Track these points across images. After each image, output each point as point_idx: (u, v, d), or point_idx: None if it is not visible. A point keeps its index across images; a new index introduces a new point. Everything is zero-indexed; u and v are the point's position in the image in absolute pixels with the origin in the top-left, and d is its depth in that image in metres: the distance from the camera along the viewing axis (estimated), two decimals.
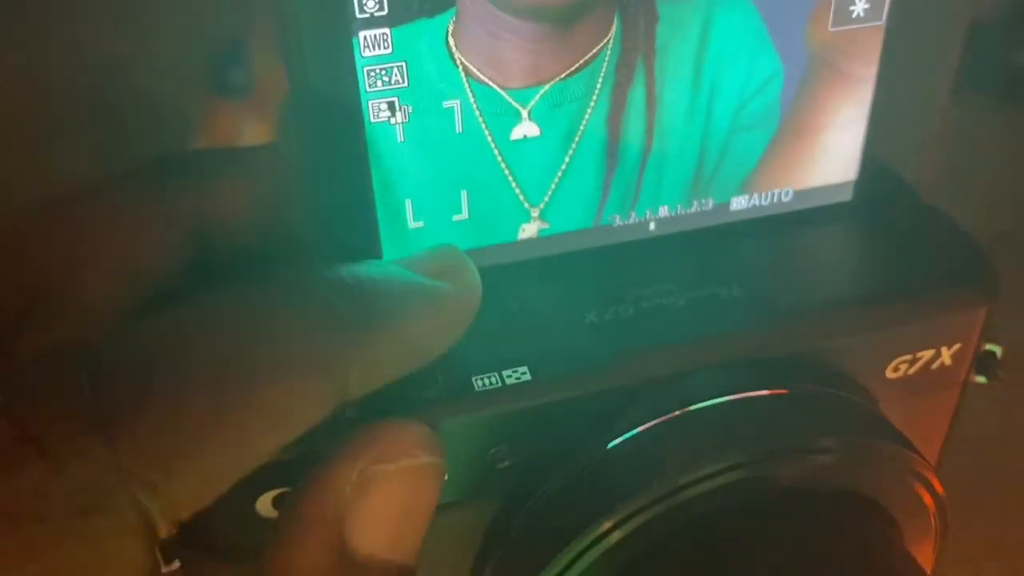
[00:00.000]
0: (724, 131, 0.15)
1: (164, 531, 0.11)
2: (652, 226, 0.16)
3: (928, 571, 0.17)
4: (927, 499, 0.17)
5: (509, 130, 0.14)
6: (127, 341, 0.11)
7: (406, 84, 0.13)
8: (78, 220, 0.14)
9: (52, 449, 0.10)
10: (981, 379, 0.19)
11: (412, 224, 0.15)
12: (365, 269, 0.13)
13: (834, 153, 0.16)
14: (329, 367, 0.13)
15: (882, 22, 0.16)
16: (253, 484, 0.14)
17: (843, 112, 0.15)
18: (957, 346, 0.17)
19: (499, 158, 0.14)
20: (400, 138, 0.13)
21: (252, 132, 0.18)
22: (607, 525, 0.15)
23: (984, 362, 0.18)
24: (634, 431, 0.15)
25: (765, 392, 0.15)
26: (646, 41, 0.13)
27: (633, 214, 0.16)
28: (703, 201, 0.16)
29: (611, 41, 0.13)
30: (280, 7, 0.13)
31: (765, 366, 0.16)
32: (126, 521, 0.11)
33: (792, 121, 0.15)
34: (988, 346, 0.18)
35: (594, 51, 0.13)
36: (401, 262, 0.13)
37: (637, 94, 0.14)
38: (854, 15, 0.15)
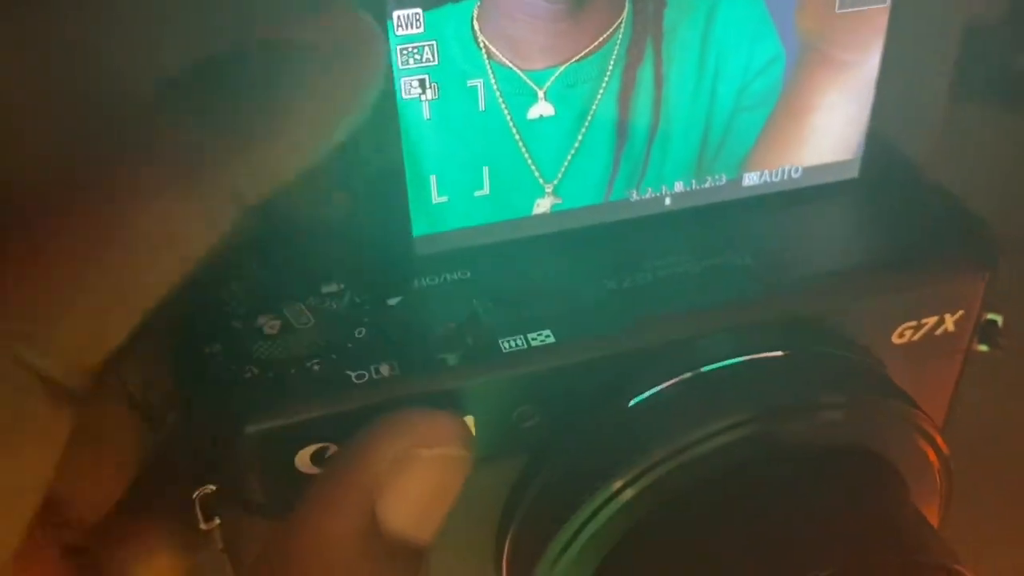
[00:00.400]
0: (728, 110, 0.16)
1: (67, 381, 0.12)
2: (668, 201, 0.17)
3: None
4: (932, 456, 0.18)
5: (526, 109, 0.15)
6: None
7: (436, 62, 0.14)
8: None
9: None
10: (983, 347, 0.20)
11: (436, 199, 0.16)
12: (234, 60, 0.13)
13: (837, 133, 0.17)
14: (209, 181, 0.13)
15: (887, 4, 0.16)
16: (294, 439, 0.15)
17: (842, 94, 0.16)
18: (960, 313, 0.18)
19: (516, 136, 0.15)
20: (427, 115, 0.14)
21: None
22: (618, 484, 0.16)
23: (986, 330, 0.19)
24: (649, 392, 0.16)
25: (775, 354, 0.16)
26: (655, 24, 0.14)
27: (650, 189, 0.17)
28: (716, 177, 0.17)
29: (623, 24, 0.14)
30: None
31: (776, 330, 0.17)
32: (15, 382, 0.11)
33: (793, 102, 0.16)
34: (990, 315, 0.19)
35: (607, 33, 0.14)
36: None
37: (646, 74, 0.15)
38: None
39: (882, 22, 0.16)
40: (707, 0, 0.14)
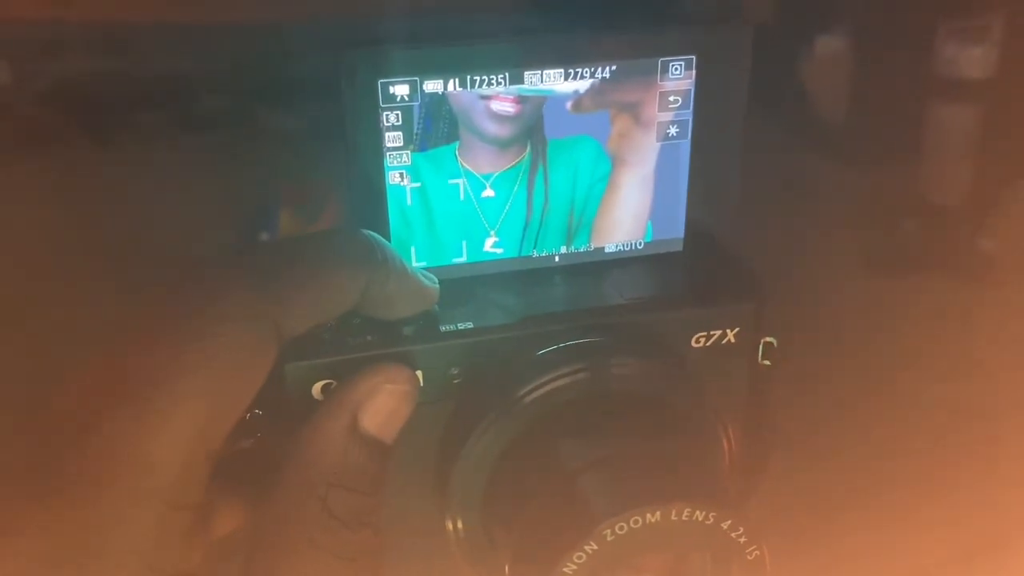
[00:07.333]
0: (583, 199, 0.29)
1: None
2: (557, 259, 0.30)
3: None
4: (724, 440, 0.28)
5: (480, 193, 0.29)
6: None
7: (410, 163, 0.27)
8: None
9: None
10: (767, 363, 0.30)
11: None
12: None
13: (660, 220, 0.30)
14: (258, 317, 0.22)
15: (687, 139, 0.29)
16: (311, 374, 0.24)
17: (637, 186, 0.29)
18: (737, 329, 0.28)
19: (476, 207, 0.29)
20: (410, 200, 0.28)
21: None
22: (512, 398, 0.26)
23: (766, 350, 0.30)
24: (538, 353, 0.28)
25: (598, 338, 0.27)
26: (543, 155, 0.28)
27: (545, 251, 0.30)
28: (587, 245, 0.30)
29: (527, 154, 0.28)
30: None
31: (614, 328, 0.28)
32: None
33: (623, 198, 0.29)
34: (767, 338, 0.30)
35: (518, 158, 0.28)
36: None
37: (539, 180, 0.28)
38: (669, 135, 0.29)
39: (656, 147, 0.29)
40: (569, 143, 0.28)
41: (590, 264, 0.30)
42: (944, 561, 0.30)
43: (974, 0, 0.35)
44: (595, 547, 0.23)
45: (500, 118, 0.27)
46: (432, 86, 0.26)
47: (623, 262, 0.30)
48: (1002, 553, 0.32)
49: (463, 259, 0.29)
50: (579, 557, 0.23)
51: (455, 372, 0.26)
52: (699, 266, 0.30)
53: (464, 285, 0.28)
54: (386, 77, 0.26)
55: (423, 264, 0.28)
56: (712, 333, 0.28)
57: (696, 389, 0.28)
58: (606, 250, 0.30)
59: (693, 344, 0.28)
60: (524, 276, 0.29)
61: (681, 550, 0.25)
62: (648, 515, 0.23)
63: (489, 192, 0.28)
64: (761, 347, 0.29)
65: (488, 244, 0.29)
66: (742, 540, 0.24)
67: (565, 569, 0.23)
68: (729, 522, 0.23)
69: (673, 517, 0.23)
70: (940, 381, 0.30)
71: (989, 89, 0.35)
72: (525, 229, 0.29)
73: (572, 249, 0.30)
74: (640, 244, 0.30)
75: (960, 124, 0.35)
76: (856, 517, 0.30)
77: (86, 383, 0.21)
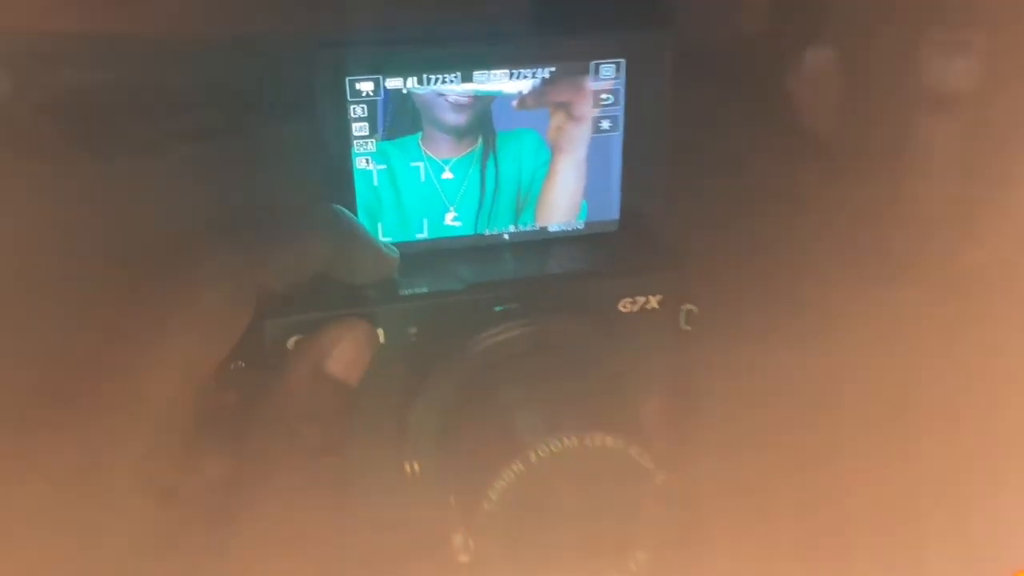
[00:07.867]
0: (528, 183, 0.33)
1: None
2: (507, 236, 0.34)
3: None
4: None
5: (440, 175, 0.33)
6: None
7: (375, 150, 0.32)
8: None
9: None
10: (688, 328, 0.34)
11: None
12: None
13: (596, 203, 0.34)
14: (238, 273, 0.26)
15: (619, 133, 0.33)
16: (287, 330, 0.29)
17: (578, 180, 0.33)
18: (660, 296, 0.32)
19: (437, 187, 0.33)
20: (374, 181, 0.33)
21: None
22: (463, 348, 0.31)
23: (688, 316, 0.34)
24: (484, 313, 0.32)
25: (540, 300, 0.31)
26: (492, 145, 0.33)
27: (497, 229, 0.34)
28: (532, 224, 0.34)
29: (479, 143, 0.33)
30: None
31: (551, 292, 0.32)
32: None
33: (560, 181, 0.33)
34: (688, 306, 0.34)
35: (472, 147, 0.33)
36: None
37: (490, 166, 0.33)
38: (602, 128, 0.33)
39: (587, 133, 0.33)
40: (514, 134, 0.33)
41: (535, 241, 0.34)
42: (858, 529, 0.33)
43: (954, 11, 0.38)
44: (521, 468, 0.27)
45: (456, 108, 0.32)
46: (393, 83, 0.31)
47: (564, 240, 0.34)
48: (902, 526, 0.35)
49: (425, 235, 0.33)
50: (508, 476, 0.27)
51: (413, 331, 0.30)
52: (630, 242, 0.34)
53: (425, 258, 0.33)
54: (352, 75, 0.30)
55: (389, 239, 0.33)
56: (637, 299, 0.32)
57: (619, 343, 0.32)
58: (549, 229, 0.34)
59: (621, 309, 0.32)
60: (477, 251, 0.34)
61: (597, 474, 0.29)
62: (566, 440, 0.27)
63: (448, 175, 0.33)
64: (683, 313, 0.33)
65: (448, 218, 0.34)
66: (649, 466, 0.28)
67: (496, 485, 0.27)
68: (636, 449, 0.27)
69: (587, 443, 0.27)
70: (851, 352, 0.33)
71: (957, 98, 0.38)
72: (479, 209, 0.34)
73: (519, 227, 0.34)
74: (580, 224, 0.34)
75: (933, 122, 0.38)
76: (759, 477, 0.33)
77: (90, 325, 0.26)
